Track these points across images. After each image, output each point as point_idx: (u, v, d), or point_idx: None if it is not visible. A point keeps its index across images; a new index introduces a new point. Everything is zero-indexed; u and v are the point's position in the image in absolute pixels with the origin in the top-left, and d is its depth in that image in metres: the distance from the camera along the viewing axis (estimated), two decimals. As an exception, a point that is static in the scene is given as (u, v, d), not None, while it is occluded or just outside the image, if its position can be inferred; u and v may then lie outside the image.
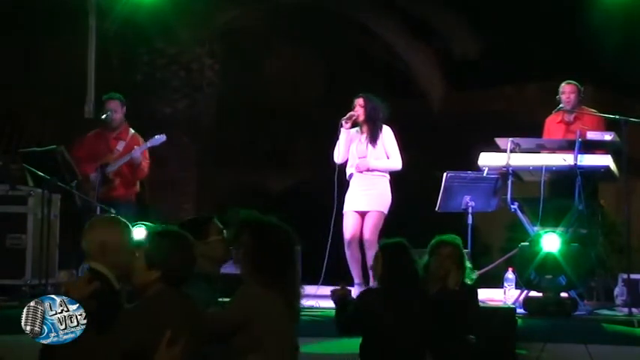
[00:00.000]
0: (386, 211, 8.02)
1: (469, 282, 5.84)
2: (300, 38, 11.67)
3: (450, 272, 5.72)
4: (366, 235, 7.93)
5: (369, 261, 7.89)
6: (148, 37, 11.16)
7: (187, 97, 11.61)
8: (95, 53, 9.70)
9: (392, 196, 8.09)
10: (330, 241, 7.96)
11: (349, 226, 8.02)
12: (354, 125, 8.13)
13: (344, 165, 8.14)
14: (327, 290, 8.11)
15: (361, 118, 8.07)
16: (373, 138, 8.04)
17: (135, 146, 8.41)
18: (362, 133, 8.13)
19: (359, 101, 8.10)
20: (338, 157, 8.11)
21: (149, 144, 8.43)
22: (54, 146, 7.98)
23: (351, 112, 8.08)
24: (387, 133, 8.09)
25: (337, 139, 8.13)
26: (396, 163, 8.07)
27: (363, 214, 8.01)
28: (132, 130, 8.57)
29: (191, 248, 4.13)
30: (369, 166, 7.98)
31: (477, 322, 5.77)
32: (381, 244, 5.77)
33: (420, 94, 12.05)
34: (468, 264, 5.85)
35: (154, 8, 10.28)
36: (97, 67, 9.71)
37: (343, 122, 8.07)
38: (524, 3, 11.08)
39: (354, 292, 7.96)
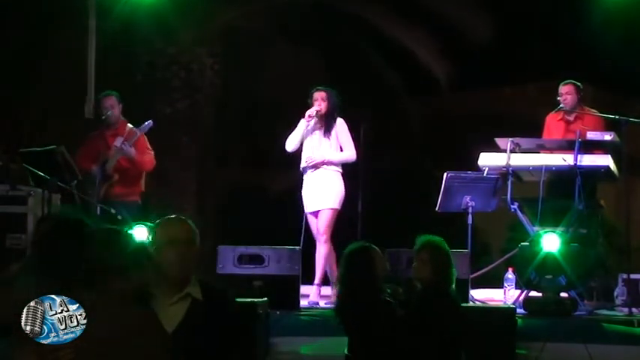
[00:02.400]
0: (339, 207, 7.99)
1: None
2: (300, 38, 11.67)
3: (429, 278, 5.37)
4: (320, 231, 7.93)
5: (319, 257, 7.89)
6: (148, 37, 11.16)
7: (187, 97, 11.60)
8: (95, 53, 9.70)
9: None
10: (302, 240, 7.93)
11: (312, 227, 8.03)
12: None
13: (296, 154, 8.15)
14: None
15: (323, 111, 8.08)
16: (328, 130, 8.06)
17: (125, 140, 8.39)
18: (316, 124, 8.12)
19: (321, 95, 8.10)
20: (291, 145, 8.11)
21: (138, 132, 8.41)
22: (54, 146, 7.97)
23: (316, 108, 8.08)
24: (341, 126, 8.08)
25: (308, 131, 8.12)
26: (351, 154, 8.06)
27: (316, 214, 8.01)
28: (130, 125, 8.53)
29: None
30: (325, 158, 7.99)
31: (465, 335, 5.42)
32: (346, 250, 5.46)
33: (420, 93, 12.06)
34: (454, 271, 5.45)
35: (154, 8, 10.28)
36: (97, 67, 9.71)
37: (307, 116, 8.07)
38: (524, 3, 11.08)
39: (312, 291, 7.96)
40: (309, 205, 8.02)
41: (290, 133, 8.15)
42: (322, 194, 7.96)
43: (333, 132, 8.04)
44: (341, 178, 8.03)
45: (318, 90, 8.12)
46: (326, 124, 8.07)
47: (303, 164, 8.07)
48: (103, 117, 8.45)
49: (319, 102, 8.06)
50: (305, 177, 8.07)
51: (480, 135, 8.44)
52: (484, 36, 11.38)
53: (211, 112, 11.78)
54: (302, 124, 8.10)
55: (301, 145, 8.09)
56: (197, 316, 4.09)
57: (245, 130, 11.88)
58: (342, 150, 8.05)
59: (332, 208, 7.93)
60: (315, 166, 8.00)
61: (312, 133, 8.08)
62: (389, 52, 11.77)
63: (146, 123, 8.38)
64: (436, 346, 5.18)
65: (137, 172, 8.46)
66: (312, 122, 8.07)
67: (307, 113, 8.05)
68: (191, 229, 4.25)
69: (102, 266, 3.81)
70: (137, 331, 3.77)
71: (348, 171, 8.25)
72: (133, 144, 8.29)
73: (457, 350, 5.30)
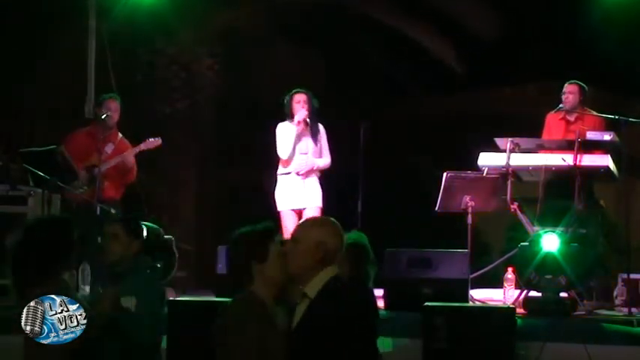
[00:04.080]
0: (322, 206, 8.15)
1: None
2: (300, 38, 11.66)
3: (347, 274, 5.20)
4: None
5: None
6: (148, 37, 11.15)
7: (187, 97, 11.60)
8: (95, 53, 9.71)
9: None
10: None
11: (290, 226, 8.02)
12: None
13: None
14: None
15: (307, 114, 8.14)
16: (315, 136, 8.13)
17: (124, 150, 8.41)
18: (302, 129, 8.16)
19: (302, 97, 8.14)
20: (287, 153, 8.16)
21: (143, 146, 8.44)
22: (54, 146, 7.98)
23: (304, 112, 8.10)
24: (323, 131, 8.23)
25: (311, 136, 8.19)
26: (329, 161, 8.25)
27: (300, 212, 8.07)
28: (120, 134, 8.59)
29: None
30: (314, 165, 8.09)
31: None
32: None
33: (420, 94, 12.06)
34: (371, 267, 5.44)
35: (154, 8, 10.28)
36: (97, 67, 9.71)
37: (297, 122, 8.10)
38: (524, 2, 11.08)
39: None
40: (293, 203, 8.10)
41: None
42: (310, 193, 8.07)
43: (319, 137, 8.14)
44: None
45: (299, 92, 8.16)
46: (312, 128, 8.14)
47: (289, 168, 8.10)
48: (103, 117, 8.44)
49: (302, 104, 8.10)
50: (287, 178, 8.12)
51: (480, 135, 8.44)
52: (484, 36, 11.37)
53: (211, 112, 11.78)
54: (290, 130, 8.13)
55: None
56: (308, 316, 4.11)
57: (245, 130, 11.88)
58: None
59: (320, 207, 8.10)
60: (304, 170, 8.09)
61: (300, 138, 8.14)
62: (389, 52, 11.76)
63: (154, 139, 8.43)
64: (350, 341, 5.15)
65: (123, 177, 8.48)
66: (301, 127, 8.12)
67: (297, 119, 8.09)
68: (298, 227, 4.30)
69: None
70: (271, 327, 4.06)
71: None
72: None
73: (372, 345, 5.31)
